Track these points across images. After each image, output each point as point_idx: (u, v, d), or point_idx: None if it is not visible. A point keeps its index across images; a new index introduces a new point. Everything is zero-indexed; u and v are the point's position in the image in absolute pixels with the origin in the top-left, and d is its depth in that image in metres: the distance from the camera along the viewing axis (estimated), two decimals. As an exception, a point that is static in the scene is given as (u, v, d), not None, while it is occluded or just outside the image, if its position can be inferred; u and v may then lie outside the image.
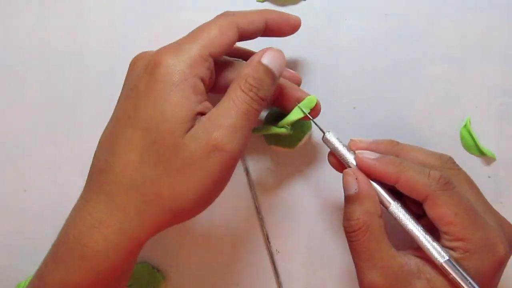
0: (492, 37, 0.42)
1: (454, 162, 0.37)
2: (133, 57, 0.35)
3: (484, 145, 0.42)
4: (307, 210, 0.44)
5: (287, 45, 0.43)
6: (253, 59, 0.33)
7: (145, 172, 0.30)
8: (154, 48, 0.44)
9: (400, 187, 0.34)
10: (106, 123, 0.45)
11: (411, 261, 0.34)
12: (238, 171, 0.44)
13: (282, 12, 0.37)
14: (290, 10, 0.43)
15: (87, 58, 0.44)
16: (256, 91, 0.32)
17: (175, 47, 0.32)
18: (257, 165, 0.44)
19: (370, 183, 0.35)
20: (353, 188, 0.34)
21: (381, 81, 0.43)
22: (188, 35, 0.33)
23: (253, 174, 0.44)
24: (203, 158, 0.30)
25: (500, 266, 0.33)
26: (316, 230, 0.44)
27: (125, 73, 0.44)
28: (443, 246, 0.33)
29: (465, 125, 0.42)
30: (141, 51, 0.44)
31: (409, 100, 0.43)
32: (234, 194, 0.44)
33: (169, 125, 0.30)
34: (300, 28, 0.43)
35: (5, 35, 0.45)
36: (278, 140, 0.41)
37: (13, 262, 0.46)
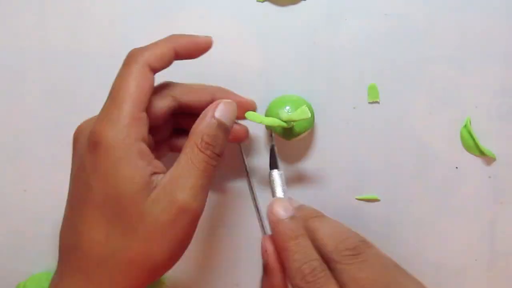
0: (492, 37, 0.42)
1: (357, 251, 0.31)
2: (74, 130, 0.35)
3: (484, 145, 0.42)
4: (307, 210, 0.44)
5: (287, 45, 0.43)
6: (206, 114, 0.33)
7: (113, 244, 0.31)
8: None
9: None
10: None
11: None
12: (239, 171, 0.44)
13: (190, 36, 0.36)
14: (290, 10, 0.43)
15: (87, 58, 0.44)
16: (212, 148, 0.32)
17: (106, 117, 0.31)
18: (257, 165, 0.44)
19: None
20: (264, 258, 0.34)
21: (381, 81, 0.43)
22: (110, 99, 0.33)
23: (253, 174, 0.44)
24: (170, 221, 0.31)
25: None
26: (316, 230, 0.44)
27: (125, 73, 0.44)
28: None
29: (465, 125, 0.42)
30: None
31: (409, 100, 0.43)
32: (234, 194, 0.44)
33: (127, 197, 0.30)
34: (300, 28, 0.43)
35: (5, 35, 0.45)
36: (276, 127, 0.41)
37: (13, 262, 0.46)
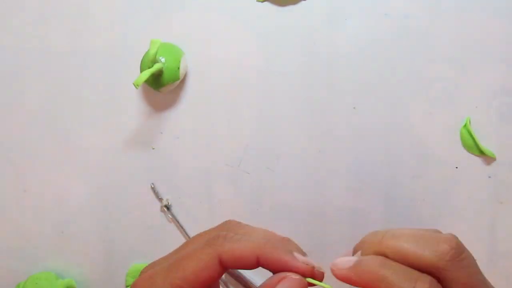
0: (492, 37, 0.42)
1: (457, 254, 0.29)
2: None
3: (484, 144, 0.42)
4: (307, 210, 0.44)
5: (287, 45, 0.43)
6: (269, 284, 0.30)
7: None
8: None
9: None
10: (106, 123, 0.45)
11: None
12: (238, 172, 0.44)
13: (284, 254, 0.31)
14: (290, 10, 0.43)
15: (87, 58, 0.44)
16: None
17: (154, 274, 0.30)
18: (257, 165, 0.44)
19: None
20: None
21: (381, 81, 0.43)
22: (171, 257, 0.31)
23: (253, 174, 0.44)
24: None
25: None
26: (316, 230, 0.44)
27: (125, 73, 0.44)
28: None
29: (465, 125, 0.42)
30: (141, 51, 0.44)
31: (409, 100, 0.43)
32: (235, 194, 0.44)
33: None
34: (300, 28, 0.43)
35: (5, 35, 0.45)
36: (159, 80, 0.41)
37: (13, 262, 0.46)
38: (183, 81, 0.44)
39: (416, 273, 0.29)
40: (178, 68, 0.41)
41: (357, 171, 0.43)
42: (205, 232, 0.32)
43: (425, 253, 0.29)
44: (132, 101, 0.44)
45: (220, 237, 0.30)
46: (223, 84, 0.44)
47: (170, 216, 0.44)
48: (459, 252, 0.29)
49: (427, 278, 0.28)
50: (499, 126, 0.42)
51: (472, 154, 0.43)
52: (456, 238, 0.30)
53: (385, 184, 0.43)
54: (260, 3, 0.43)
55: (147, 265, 0.32)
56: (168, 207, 0.44)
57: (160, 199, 0.44)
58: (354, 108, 0.43)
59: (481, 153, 0.42)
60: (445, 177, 0.43)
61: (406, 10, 0.42)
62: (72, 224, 0.45)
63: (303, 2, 0.43)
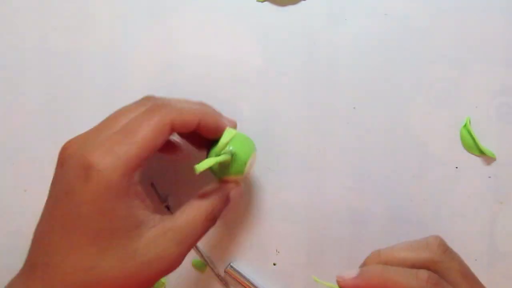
0: (492, 37, 0.42)
1: (445, 248, 0.34)
2: (60, 149, 0.33)
3: (484, 144, 0.42)
4: (307, 210, 0.44)
5: (287, 45, 0.43)
6: (224, 191, 0.36)
7: (98, 273, 0.31)
8: (153, 46, 0.44)
9: None
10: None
11: None
12: (238, 171, 0.44)
13: (217, 117, 0.37)
14: (290, 10, 0.43)
15: (87, 58, 0.44)
16: (214, 221, 0.35)
17: (111, 149, 0.30)
18: (257, 165, 0.44)
19: None
20: None
21: (381, 81, 0.43)
22: (121, 132, 0.32)
23: (253, 174, 0.44)
24: (160, 271, 0.32)
25: None
26: (316, 230, 0.44)
27: (125, 73, 0.44)
28: None
29: (465, 125, 0.42)
30: (141, 51, 0.44)
31: (409, 100, 0.43)
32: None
33: (123, 232, 0.31)
34: (300, 28, 0.43)
35: (5, 35, 0.45)
36: (224, 170, 0.37)
37: (13, 262, 0.46)
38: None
39: (415, 269, 0.33)
40: (246, 163, 0.37)
41: (357, 171, 0.43)
42: (133, 106, 0.35)
43: (420, 253, 0.34)
44: (131, 100, 0.44)
45: (163, 105, 0.33)
46: (222, 84, 0.44)
47: (170, 216, 0.44)
48: (446, 246, 0.34)
49: (425, 270, 0.32)
50: (499, 126, 0.42)
51: (472, 154, 0.43)
52: (441, 238, 0.35)
53: (385, 184, 0.43)
54: (260, 3, 0.43)
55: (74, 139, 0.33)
56: (168, 207, 0.44)
57: (160, 199, 0.44)
58: (354, 108, 0.43)
59: (481, 153, 0.42)
60: (445, 177, 0.43)
61: (406, 10, 0.42)
62: (72, 224, 0.45)
63: (303, 2, 0.43)
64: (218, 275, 0.44)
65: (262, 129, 0.44)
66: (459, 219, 0.43)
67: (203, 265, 0.44)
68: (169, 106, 0.33)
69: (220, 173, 0.37)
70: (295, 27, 0.43)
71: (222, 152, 0.36)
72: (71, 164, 0.31)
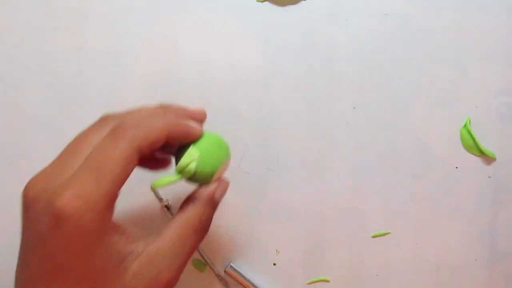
0: (492, 37, 0.42)
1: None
2: (23, 190, 0.30)
3: (484, 144, 0.42)
4: (307, 210, 0.44)
5: (287, 45, 0.43)
6: (206, 194, 0.33)
7: None
8: (153, 46, 0.44)
9: None
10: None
11: None
12: (238, 172, 0.44)
13: (184, 124, 0.33)
14: (290, 10, 0.43)
15: (86, 58, 0.44)
16: (204, 232, 0.32)
17: (80, 190, 0.28)
18: (257, 165, 0.44)
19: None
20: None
21: (381, 81, 0.43)
22: (87, 168, 0.28)
23: (253, 174, 0.44)
24: (155, 284, 0.30)
25: None
26: (316, 230, 0.44)
27: (125, 73, 0.44)
28: None
29: (465, 125, 0.42)
30: (141, 51, 0.44)
31: (409, 100, 0.43)
32: (234, 194, 0.44)
33: (106, 273, 0.29)
34: (300, 28, 0.43)
35: (5, 35, 0.45)
36: (191, 181, 0.34)
37: (13, 262, 0.46)
38: (185, 91, 0.44)
39: None
40: (211, 175, 0.34)
41: (357, 171, 0.43)
42: (94, 129, 0.32)
43: None
44: (132, 101, 0.44)
45: (126, 127, 0.30)
46: (223, 84, 0.44)
47: (170, 216, 0.44)
48: None
49: None
50: (499, 126, 0.42)
51: (472, 154, 0.43)
52: None
53: (385, 184, 0.43)
54: (260, 3, 0.43)
55: (32, 179, 0.30)
56: (168, 207, 0.44)
57: (160, 199, 0.44)
58: (354, 108, 0.43)
59: (481, 153, 0.42)
60: (445, 177, 0.43)
61: (406, 10, 0.42)
62: (72, 224, 0.45)
63: (303, 2, 0.43)
64: (218, 275, 0.44)
65: (262, 129, 0.44)
66: (459, 219, 0.43)
67: (203, 265, 0.44)
68: (133, 128, 0.30)
69: (190, 181, 0.34)
70: (295, 27, 0.43)
71: (185, 170, 0.33)
72: (38, 209, 0.28)
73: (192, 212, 0.32)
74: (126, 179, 0.29)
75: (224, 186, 0.34)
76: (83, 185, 0.28)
